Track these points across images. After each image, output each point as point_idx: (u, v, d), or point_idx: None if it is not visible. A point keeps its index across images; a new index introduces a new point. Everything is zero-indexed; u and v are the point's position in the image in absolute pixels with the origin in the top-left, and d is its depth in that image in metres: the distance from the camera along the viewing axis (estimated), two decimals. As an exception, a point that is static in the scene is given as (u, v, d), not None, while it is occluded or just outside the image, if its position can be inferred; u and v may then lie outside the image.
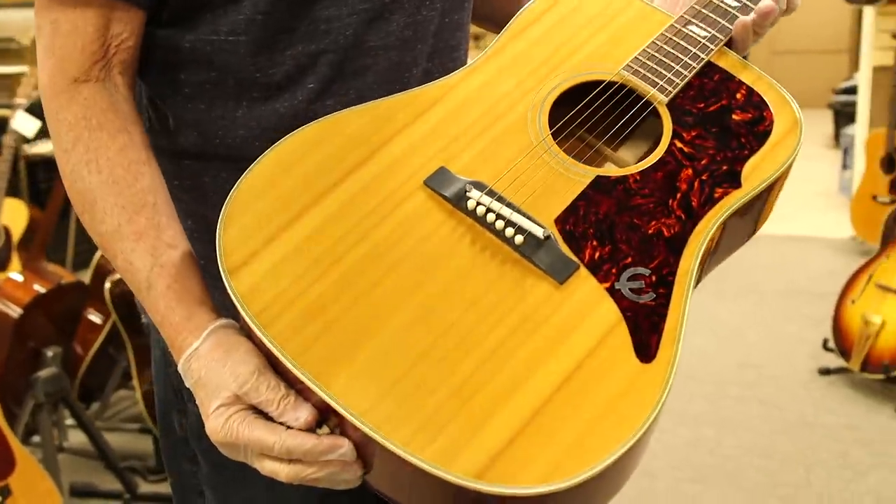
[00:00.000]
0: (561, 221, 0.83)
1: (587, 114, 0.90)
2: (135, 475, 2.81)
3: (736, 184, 0.86)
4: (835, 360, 3.41)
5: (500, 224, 0.82)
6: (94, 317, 2.97)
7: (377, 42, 0.92)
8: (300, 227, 0.81)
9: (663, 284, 0.80)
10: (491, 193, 0.83)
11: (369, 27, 0.91)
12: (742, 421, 3.14)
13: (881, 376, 3.22)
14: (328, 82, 0.90)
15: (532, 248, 0.81)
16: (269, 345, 0.75)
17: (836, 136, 5.92)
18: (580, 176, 0.86)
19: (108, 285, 2.75)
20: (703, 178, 0.87)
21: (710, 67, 0.94)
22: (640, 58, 0.93)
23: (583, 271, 0.80)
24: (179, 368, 0.82)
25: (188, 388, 0.82)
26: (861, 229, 4.60)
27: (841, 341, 3.32)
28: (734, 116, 0.91)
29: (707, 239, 0.83)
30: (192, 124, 0.94)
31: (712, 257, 0.89)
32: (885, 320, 3.18)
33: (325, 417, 0.76)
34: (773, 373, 3.49)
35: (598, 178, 0.86)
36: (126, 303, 2.75)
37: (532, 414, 0.73)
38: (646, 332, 0.78)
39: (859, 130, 4.82)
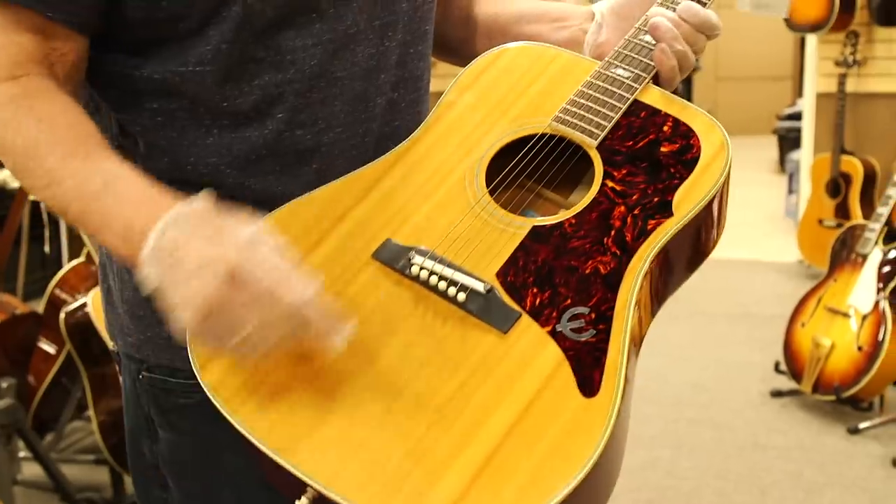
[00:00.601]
0: (502, 274, 0.88)
1: (523, 165, 0.95)
2: (91, 507, 2.73)
3: (668, 213, 0.90)
4: (786, 383, 3.45)
5: (443, 285, 0.87)
6: (48, 346, 2.93)
7: (342, 72, 0.94)
8: None
9: (602, 320, 0.84)
10: (433, 257, 0.89)
11: (334, 57, 0.93)
12: (697, 443, 3.17)
13: (832, 398, 3.26)
14: (296, 111, 0.92)
15: (475, 303, 0.86)
16: (238, 427, 0.81)
17: (782, 161, 6.00)
18: (517, 228, 0.91)
19: (62, 315, 2.72)
20: (636, 212, 0.90)
21: (636, 106, 0.98)
22: (568, 106, 0.98)
23: (525, 319, 0.85)
24: (150, 241, 0.81)
25: (160, 415, 0.84)
26: (808, 253, 4.67)
27: (792, 364, 3.37)
28: (662, 149, 0.95)
29: (643, 270, 0.87)
30: (164, 151, 0.95)
31: (662, 286, 0.92)
32: (834, 343, 3.24)
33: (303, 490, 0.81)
34: (725, 395, 3.52)
35: (535, 228, 0.91)
36: (81, 332, 2.73)
37: (485, 461, 0.77)
38: (588, 367, 0.82)
39: (804, 156, 4.91)
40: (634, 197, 0.92)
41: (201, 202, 0.82)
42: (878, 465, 2.99)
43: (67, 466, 2.98)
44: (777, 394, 3.45)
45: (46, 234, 3.73)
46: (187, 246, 0.79)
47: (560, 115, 0.98)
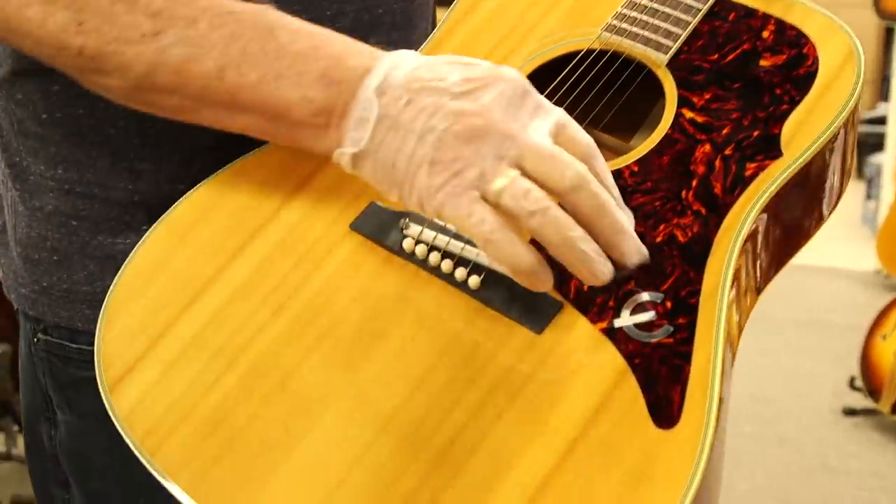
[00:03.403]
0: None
1: (562, 95, 0.68)
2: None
3: (775, 152, 0.62)
4: (861, 401, 3.07)
5: (447, 265, 0.60)
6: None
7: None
8: (197, 313, 0.62)
9: (683, 311, 0.57)
10: (434, 226, 0.62)
11: None
12: (758, 462, 2.82)
13: (914, 420, 2.91)
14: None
15: (495, 290, 0.59)
16: (158, 476, 0.56)
17: (860, 165, 5.71)
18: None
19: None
20: (727, 152, 0.63)
21: (721, 5, 0.70)
22: (625, 11, 0.70)
23: (568, 311, 0.58)
24: (361, 99, 0.58)
25: (57, 391, 0.66)
26: (888, 261, 4.31)
27: (869, 380, 3.00)
28: (762, 62, 0.66)
29: (742, 237, 0.59)
30: None
31: (767, 262, 0.65)
32: None
33: None
34: (792, 410, 3.15)
35: (580, 180, 0.63)
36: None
37: (509, 530, 0.51)
38: (664, 382, 0.54)
39: (888, 159, 4.63)
40: (725, 131, 0.64)
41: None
42: (962, 497, 2.65)
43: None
44: (850, 412, 3.10)
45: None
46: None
47: (613, 22, 0.70)
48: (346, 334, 0.59)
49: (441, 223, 0.62)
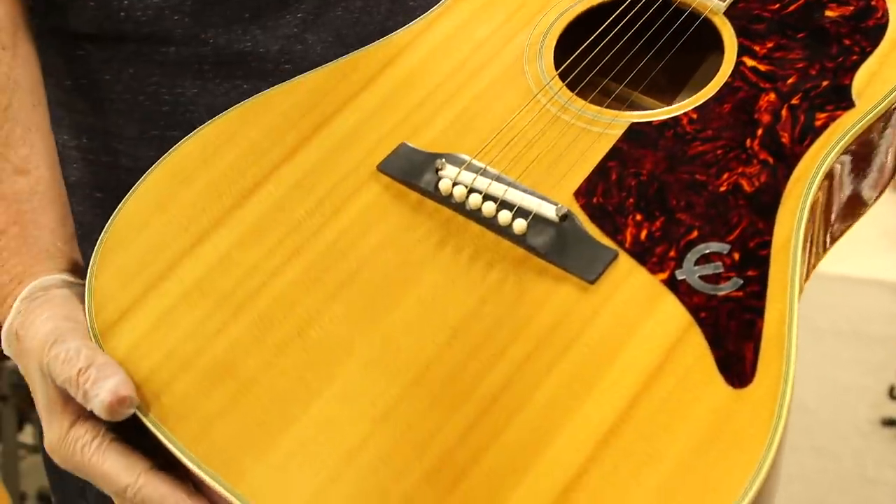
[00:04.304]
0: (584, 194, 0.55)
1: (605, 46, 0.63)
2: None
3: (847, 102, 0.57)
4: None
5: (489, 208, 0.54)
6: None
7: None
8: (201, 255, 0.55)
9: (753, 262, 0.51)
10: (473, 168, 0.56)
11: None
12: (795, 472, 2.73)
13: (956, 433, 2.82)
14: None
15: (543, 236, 0.53)
16: (153, 430, 0.49)
17: None
18: (607, 127, 0.58)
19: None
20: (794, 101, 0.57)
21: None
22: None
23: (624, 260, 0.52)
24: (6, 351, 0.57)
25: None
26: None
27: None
28: (827, 13, 0.61)
29: (814, 188, 0.54)
30: None
31: (838, 217, 0.59)
32: None
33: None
34: (829, 420, 3.07)
35: (634, 125, 0.58)
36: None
37: (564, 495, 0.44)
38: (734, 338, 0.48)
39: None
40: (790, 80, 0.58)
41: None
42: None
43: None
44: (890, 423, 3.00)
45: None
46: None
47: (668, -32, 0.65)
48: (372, 281, 0.53)
49: (483, 165, 0.56)
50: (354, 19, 0.64)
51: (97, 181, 0.68)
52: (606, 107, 0.60)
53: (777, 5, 0.62)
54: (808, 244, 0.54)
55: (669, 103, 0.67)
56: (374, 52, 0.64)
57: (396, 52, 0.64)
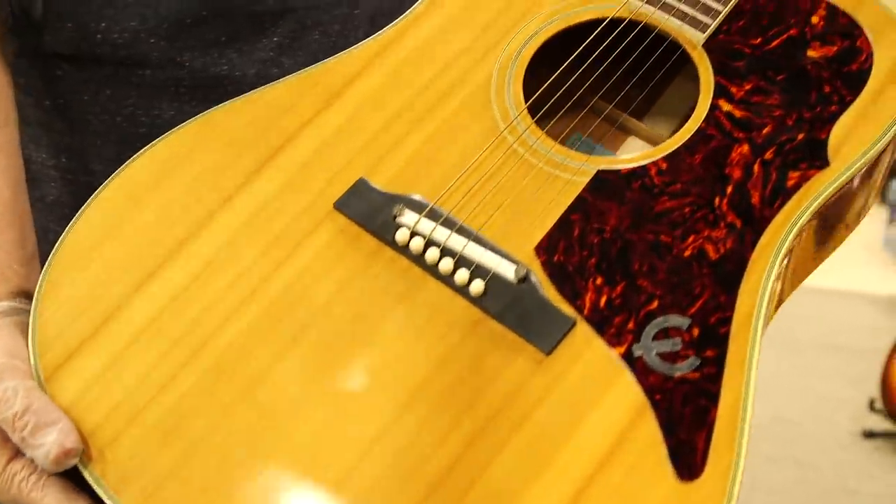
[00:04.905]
0: (545, 250, 0.53)
1: (586, 70, 0.60)
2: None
3: (821, 161, 0.55)
4: (881, 423, 3.04)
5: (446, 265, 0.52)
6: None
7: None
8: (154, 292, 0.54)
9: (712, 342, 0.50)
10: (433, 216, 0.54)
11: None
12: (776, 483, 2.78)
13: (935, 444, 2.87)
14: None
15: (501, 299, 0.52)
16: (94, 486, 0.48)
17: (883, 191, 5.78)
18: (574, 173, 0.56)
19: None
20: (767, 156, 0.55)
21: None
22: (663, -21, 0.62)
23: (582, 329, 0.51)
24: None
25: None
26: None
27: (890, 402, 2.96)
28: (810, 52, 0.59)
29: (780, 258, 0.52)
30: (67, 14, 0.68)
31: (796, 278, 0.58)
32: None
33: None
34: (810, 431, 3.13)
35: (601, 173, 0.56)
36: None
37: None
38: (687, 425, 0.48)
39: None
40: (765, 130, 0.56)
41: None
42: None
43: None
44: (870, 434, 3.06)
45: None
46: None
47: (650, -9, 0.61)
48: (325, 337, 0.52)
49: (443, 212, 0.54)
50: (332, 43, 0.63)
51: (75, 201, 0.67)
52: (578, 148, 0.58)
53: (759, 39, 0.60)
54: (767, 315, 0.53)
55: (661, 124, 0.65)
56: (337, 65, 0.61)
57: (360, 67, 0.61)
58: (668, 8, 0.61)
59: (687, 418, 0.48)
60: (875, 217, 5.75)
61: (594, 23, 0.61)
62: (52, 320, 0.53)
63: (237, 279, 0.54)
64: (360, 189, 0.56)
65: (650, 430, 0.48)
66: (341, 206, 0.55)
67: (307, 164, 0.57)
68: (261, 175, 0.57)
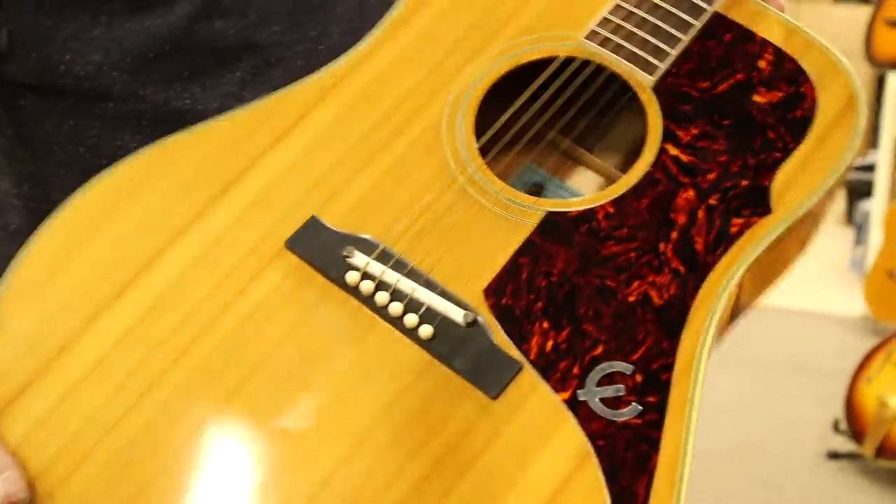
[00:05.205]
0: (494, 292, 0.54)
1: (543, 106, 0.61)
2: None
3: (763, 208, 0.56)
4: (845, 444, 3.06)
5: (396, 308, 0.53)
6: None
7: None
8: (104, 327, 0.54)
9: (655, 388, 0.52)
10: (383, 257, 0.55)
11: None
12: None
13: (897, 466, 2.89)
14: None
15: (449, 343, 0.52)
16: None
17: (849, 212, 5.78)
18: (524, 215, 0.57)
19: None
20: (712, 202, 0.57)
21: (718, 21, 0.63)
22: (612, 17, 0.62)
23: (527, 374, 0.52)
24: None
25: None
26: (875, 306, 4.25)
27: (853, 423, 2.97)
28: (756, 98, 0.60)
29: (722, 303, 0.54)
30: (33, 45, 0.68)
31: (733, 318, 0.60)
32: None
33: None
34: (776, 453, 3.14)
35: (550, 215, 0.57)
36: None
37: None
38: (629, 472, 0.49)
39: (877, 202, 4.56)
40: (710, 176, 0.58)
41: None
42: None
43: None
44: (834, 455, 3.06)
45: None
46: None
47: (598, 30, 0.62)
48: (272, 379, 0.52)
49: (394, 254, 0.55)
50: (295, 78, 0.63)
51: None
52: (528, 180, 0.59)
53: (707, 83, 0.61)
54: (711, 349, 0.54)
55: (617, 159, 0.66)
56: (290, 97, 0.61)
57: (313, 101, 0.61)
58: (619, 49, 0.61)
59: (629, 464, 0.49)
60: (842, 238, 5.78)
61: (546, 61, 0.62)
62: (2, 355, 0.53)
63: (187, 317, 0.54)
64: (311, 227, 0.56)
65: (593, 476, 0.49)
66: (293, 245, 0.56)
67: (258, 199, 0.57)
68: (212, 210, 0.57)
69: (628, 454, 0.50)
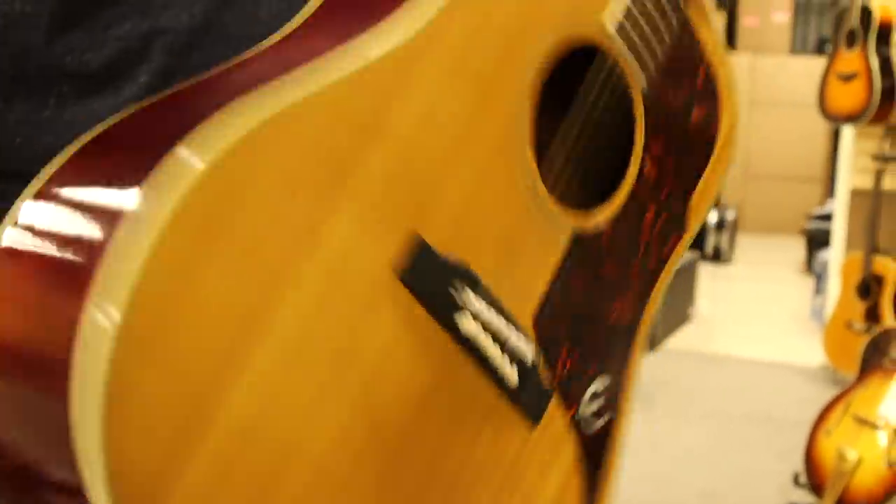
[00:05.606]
0: (538, 319, 0.57)
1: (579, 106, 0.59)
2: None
3: (683, 228, 0.67)
4: (806, 497, 2.99)
5: (495, 355, 0.53)
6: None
7: (235, 27, 0.65)
8: (244, 391, 0.43)
9: (614, 400, 0.63)
10: (486, 294, 0.52)
11: (226, 5, 0.65)
12: None
13: (857, 521, 2.97)
14: (166, 75, 0.63)
15: (525, 382, 0.55)
16: None
17: (809, 261, 6.00)
18: (556, 231, 0.58)
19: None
20: (658, 226, 0.65)
21: (684, 19, 0.65)
22: (633, 7, 0.61)
23: (554, 401, 0.58)
24: None
25: None
26: (834, 357, 4.17)
27: (813, 476, 2.91)
28: (694, 114, 0.67)
29: (645, 328, 0.65)
30: None
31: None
32: (862, 456, 2.81)
33: None
34: None
35: (576, 234, 0.59)
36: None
37: None
38: (591, 476, 0.62)
39: (834, 254, 4.45)
40: (664, 193, 0.65)
41: None
42: None
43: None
44: None
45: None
46: None
47: (624, 19, 0.60)
48: (392, 438, 0.49)
49: (488, 292, 0.52)
50: None
51: None
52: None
53: (672, 91, 0.65)
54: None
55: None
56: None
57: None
58: (632, 45, 0.61)
59: (595, 468, 0.62)
60: (803, 287, 5.89)
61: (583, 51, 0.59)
62: (133, 446, 0.39)
63: (331, 360, 0.45)
64: (419, 255, 0.49)
65: (575, 485, 0.60)
66: (405, 279, 0.48)
67: (367, 207, 0.47)
68: (329, 221, 0.45)
69: (596, 460, 0.62)
